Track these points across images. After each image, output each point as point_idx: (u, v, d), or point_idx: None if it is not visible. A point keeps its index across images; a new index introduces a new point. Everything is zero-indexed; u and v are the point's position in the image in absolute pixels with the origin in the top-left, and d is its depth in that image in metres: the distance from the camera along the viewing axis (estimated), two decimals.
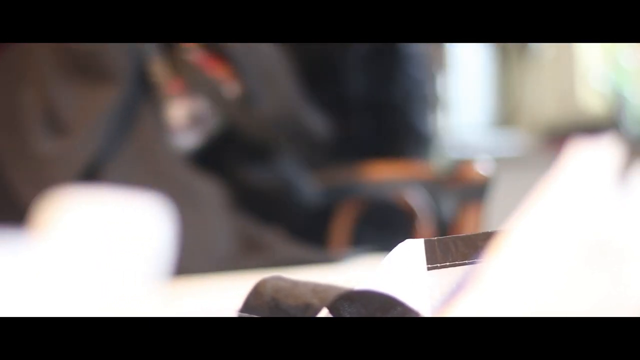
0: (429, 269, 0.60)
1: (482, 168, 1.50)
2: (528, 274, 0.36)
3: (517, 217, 0.37)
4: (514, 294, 0.37)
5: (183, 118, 1.31)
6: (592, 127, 3.78)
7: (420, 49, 1.80)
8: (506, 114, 4.17)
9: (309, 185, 1.62)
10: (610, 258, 0.36)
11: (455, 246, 0.60)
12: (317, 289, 0.54)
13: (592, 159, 0.35)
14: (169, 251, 0.29)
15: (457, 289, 0.41)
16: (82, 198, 0.27)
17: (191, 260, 1.13)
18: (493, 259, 0.37)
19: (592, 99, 4.02)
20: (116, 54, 1.19)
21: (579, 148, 0.36)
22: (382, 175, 1.59)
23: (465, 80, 3.82)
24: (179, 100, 1.33)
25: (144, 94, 1.19)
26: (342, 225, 1.59)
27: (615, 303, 0.36)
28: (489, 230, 0.58)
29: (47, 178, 1.09)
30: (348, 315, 0.55)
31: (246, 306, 0.55)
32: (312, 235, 1.52)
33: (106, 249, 0.28)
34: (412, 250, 0.60)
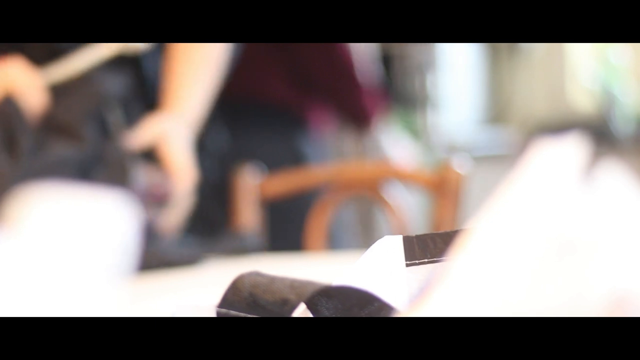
0: (407, 265, 0.60)
1: (460, 166, 1.51)
2: (495, 270, 0.37)
3: (485, 213, 0.38)
4: (480, 290, 0.37)
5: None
6: (582, 125, 3.79)
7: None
8: (496, 112, 4.18)
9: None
10: (576, 255, 0.36)
11: (434, 243, 0.60)
12: (295, 285, 0.54)
13: (558, 156, 0.36)
14: (133, 247, 0.29)
15: (426, 285, 0.41)
16: (49, 195, 0.28)
17: None
18: (460, 255, 0.38)
19: (582, 96, 4.03)
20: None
21: (545, 146, 0.36)
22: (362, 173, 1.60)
23: (456, 79, 3.83)
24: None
25: None
26: (317, 224, 1.59)
27: (582, 299, 0.37)
28: (467, 227, 0.58)
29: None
30: (325, 311, 0.56)
31: (224, 302, 0.55)
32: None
33: (71, 246, 0.28)
34: (390, 246, 0.60)
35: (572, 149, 0.36)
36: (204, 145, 1.83)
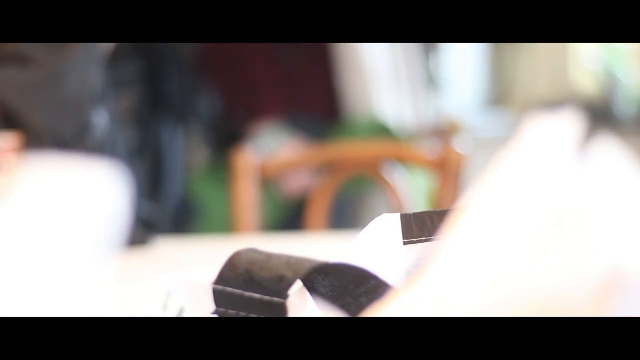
0: (405, 243, 0.60)
1: (461, 147, 1.51)
2: (491, 246, 0.37)
3: (481, 189, 0.37)
4: (476, 266, 0.37)
5: None
6: (584, 107, 3.78)
7: None
8: (499, 94, 4.17)
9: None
10: (572, 229, 0.36)
11: (432, 221, 0.60)
12: (291, 262, 0.54)
13: (552, 130, 0.35)
14: (123, 220, 0.29)
15: (422, 262, 0.41)
16: (41, 166, 0.28)
17: None
18: (456, 231, 0.38)
19: (584, 79, 4.02)
20: None
21: (539, 121, 0.36)
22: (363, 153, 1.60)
23: (459, 60, 3.82)
24: None
25: None
26: (319, 205, 1.59)
27: (578, 274, 0.37)
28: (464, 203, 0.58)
29: None
30: (322, 288, 0.56)
31: (221, 278, 0.55)
32: None
33: (62, 217, 0.28)
34: (388, 224, 0.60)
35: (566, 123, 0.36)
36: (197, 113, 1.96)
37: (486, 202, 0.37)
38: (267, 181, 1.62)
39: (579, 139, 0.35)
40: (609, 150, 0.36)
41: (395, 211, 1.51)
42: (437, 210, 0.60)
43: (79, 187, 0.28)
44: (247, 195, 1.56)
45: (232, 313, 0.55)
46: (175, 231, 2.02)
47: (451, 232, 0.38)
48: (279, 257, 0.55)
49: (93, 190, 0.28)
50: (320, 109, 2.36)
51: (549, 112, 0.36)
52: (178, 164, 2.03)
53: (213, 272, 0.56)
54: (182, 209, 2.14)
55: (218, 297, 0.55)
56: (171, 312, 0.57)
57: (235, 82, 2.33)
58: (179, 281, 0.56)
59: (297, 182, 2.20)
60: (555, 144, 0.35)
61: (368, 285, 0.56)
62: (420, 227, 0.60)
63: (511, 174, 0.36)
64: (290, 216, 2.17)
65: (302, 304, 0.55)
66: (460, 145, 1.51)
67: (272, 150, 2.21)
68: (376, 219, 0.60)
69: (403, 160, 1.59)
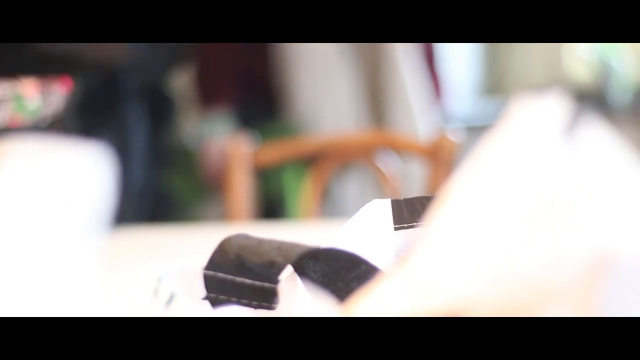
0: (396, 228, 0.60)
1: (454, 135, 1.51)
2: (479, 228, 0.37)
3: (468, 173, 0.37)
4: (464, 249, 0.37)
5: None
6: (578, 95, 3.78)
7: None
8: (493, 83, 4.17)
9: None
10: (558, 212, 0.36)
11: (422, 206, 0.60)
12: (282, 247, 0.54)
13: (539, 113, 0.35)
14: (108, 202, 0.29)
15: (410, 246, 0.41)
16: (26, 147, 0.28)
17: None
18: (443, 216, 0.38)
19: (579, 67, 4.02)
20: None
21: (526, 104, 0.36)
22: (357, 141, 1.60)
23: (453, 49, 3.81)
24: None
25: None
26: (311, 193, 1.59)
27: (564, 257, 0.37)
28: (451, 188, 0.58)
29: None
30: (312, 273, 0.56)
31: (211, 264, 0.55)
32: None
33: (46, 199, 0.28)
34: (379, 210, 0.60)
35: (554, 105, 0.36)
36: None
37: (474, 185, 0.37)
38: (260, 169, 1.62)
39: (567, 120, 0.35)
40: (597, 131, 0.36)
41: (387, 197, 1.51)
42: (427, 195, 0.60)
43: (63, 169, 0.28)
44: (240, 184, 1.56)
45: (223, 298, 0.55)
46: (150, 221, 2.01)
47: (440, 215, 0.38)
48: (269, 243, 0.55)
49: (77, 172, 0.28)
50: (267, 104, 2.33)
51: (536, 95, 0.36)
52: (142, 147, 2.01)
53: (204, 258, 0.56)
54: (156, 201, 2.14)
55: (209, 282, 0.55)
56: (162, 298, 0.57)
57: (197, 63, 2.32)
58: (170, 267, 0.56)
59: (214, 156, 2.21)
60: (542, 126, 0.35)
61: (359, 270, 0.56)
62: (411, 212, 0.60)
63: (499, 156, 0.36)
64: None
65: (292, 289, 0.55)
66: (453, 134, 1.51)
67: (212, 136, 2.20)
68: (367, 205, 0.60)
69: (396, 148, 1.59)
